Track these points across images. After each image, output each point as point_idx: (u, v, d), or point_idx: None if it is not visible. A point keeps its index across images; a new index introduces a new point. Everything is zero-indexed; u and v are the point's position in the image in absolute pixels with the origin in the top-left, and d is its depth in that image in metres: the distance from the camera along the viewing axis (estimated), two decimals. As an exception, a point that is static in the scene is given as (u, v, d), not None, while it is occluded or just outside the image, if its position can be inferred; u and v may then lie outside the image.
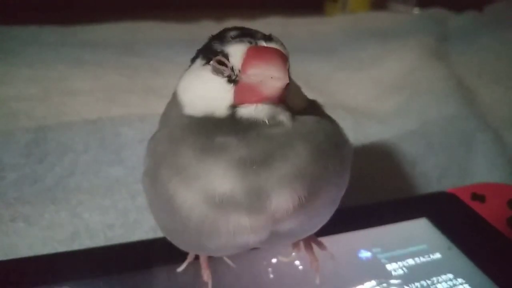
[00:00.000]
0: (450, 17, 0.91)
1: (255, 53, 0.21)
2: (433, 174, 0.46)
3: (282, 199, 0.21)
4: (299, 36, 0.79)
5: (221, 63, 0.23)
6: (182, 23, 0.81)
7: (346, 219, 0.33)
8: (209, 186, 0.21)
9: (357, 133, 0.49)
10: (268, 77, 0.21)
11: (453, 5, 0.95)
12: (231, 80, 0.23)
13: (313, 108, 0.27)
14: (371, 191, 0.43)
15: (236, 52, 0.22)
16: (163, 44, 0.73)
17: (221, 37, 0.23)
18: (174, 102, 0.26)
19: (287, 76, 0.20)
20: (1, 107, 0.49)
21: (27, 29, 0.72)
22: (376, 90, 0.62)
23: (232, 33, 0.23)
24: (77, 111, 0.50)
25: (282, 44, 0.23)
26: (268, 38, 0.23)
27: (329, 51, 0.75)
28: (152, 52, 0.70)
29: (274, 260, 0.31)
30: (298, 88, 0.27)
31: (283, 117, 0.22)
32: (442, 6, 0.95)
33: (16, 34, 0.70)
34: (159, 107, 0.29)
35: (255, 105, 0.22)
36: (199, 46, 0.26)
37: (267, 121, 0.22)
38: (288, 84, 0.23)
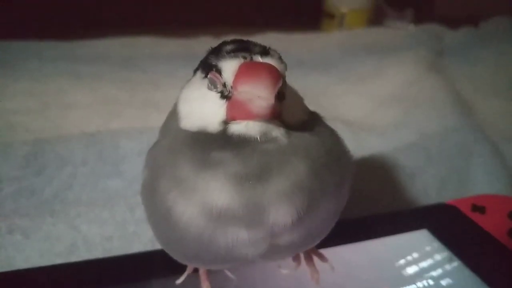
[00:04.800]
0: (447, 33, 0.92)
1: (245, 70, 0.21)
2: (432, 186, 0.46)
3: (280, 213, 0.21)
4: (297, 51, 0.80)
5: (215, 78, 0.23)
6: (181, 39, 0.82)
7: (347, 231, 0.33)
8: (207, 200, 0.21)
9: (356, 145, 0.49)
10: (256, 96, 0.20)
11: (450, 22, 0.96)
12: (224, 96, 0.23)
13: (313, 120, 0.27)
14: (370, 203, 0.43)
15: (228, 67, 0.22)
16: (162, 59, 0.73)
17: (217, 51, 0.24)
18: (174, 113, 0.26)
19: (273, 96, 0.20)
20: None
21: (27, 44, 0.72)
22: (374, 103, 0.62)
23: (228, 47, 0.23)
24: (75, 124, 0.50)
25: (279, 58, 0.23)
26: (265, 52, 0.23)
27: (326, 66, 0.76)
28: (151, 66, 0.70)
29: (274, 272, 0.31)
30: (299, 101, 0.27)
31: (277, 133, 0.22)
32: (438, 23, 0.96)
33: (16, 48, 0.70)
34: (159, 120, 0.29)
35: (246, 121, 0.22)
36: (198, 61, 0.26)
37: (258, 138, 0.22)
38: (282, 99, 0.23)
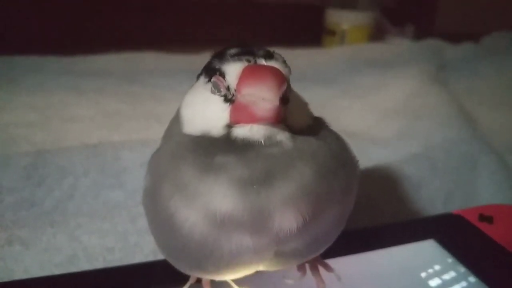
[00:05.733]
0: (448, 48, 0.93)
1: (249, 73, 0.21)
2: (438, 197, 0.46)
3: (285, 219, 0.21)
4: (299, 66, 0.80)
5: (218, 81, 0.23)
6: (184, 54, 0.83)
7: (353, 240, 0.32)
8: (210, 205, 0.21)
9: (360, 156, 0.49)
10: (260, 98, 0.20)
11: (449, 39, 0.96)
12: (227, 99, 0.22)
13: (319, 125, 0.27)
14: (375, 215, 0.42)
15: (232, 70, 0.22)
16: (164, 74, 0.73)
17: (220, 55, 0.23)
18: (177, 118, 0.26)
19: (278, 98, 0.20)
20: (1, 133, 0.49)
21: (29, 59, 0.73)
22: (378, 116, 0.62)
23: (232, 51, 0.23)
24: (77, 136, 0.50)
25: (283, 62, 0.23)
26: (269, 55, 0.23)
27: (329, 80, 0.76)
28: (154, 81, 0.70)
29: (279, 282, 0.30)
30: (303, 105, 0.27)
31: (282, 137, 0.22)
32: (439, 39, 0.97)
33: (18, 63, 0.70)
34: (160, 132, 0.29)
35: (250, 125, 0.22)
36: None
37: (263, 142, 0.21)
38: (287, 103, 0.22)
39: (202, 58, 0.26)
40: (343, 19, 1.06)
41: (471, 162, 0.49)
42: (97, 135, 0.50)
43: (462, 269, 0.32)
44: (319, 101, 0.65)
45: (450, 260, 0.33)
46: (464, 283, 0.31)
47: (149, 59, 0.80)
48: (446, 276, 0.32)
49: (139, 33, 1.05)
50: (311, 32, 1.14)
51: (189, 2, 1.09)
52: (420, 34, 1.07)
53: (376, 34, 1.10)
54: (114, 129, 0.52)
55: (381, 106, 0.64)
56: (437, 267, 0.32)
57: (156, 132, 0.29)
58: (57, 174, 0.42)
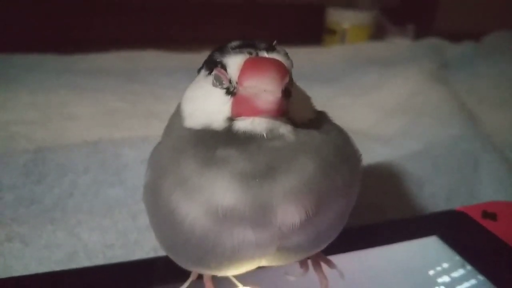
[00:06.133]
0: (448, 47, 0.92)
1: (251, 65, 0.21)
2: (441, 195, 0.45)
3: (288, 213, 0.20)
4: (300, 65, 0.79)
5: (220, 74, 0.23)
6: (184, 53, 0.82)
7: (355, 237, 0.32)
8: (212, 199, 0.20)
9: (363, 155, 0.49)
10: (262, 90, 0.20)
11: (450, 38, 0.96)
12: (229, 92, 0.22)
13: (321, 119, 0.26)
14: (377, 212, 0.42)
15: (233, 63, 0.22)
16: (164, 72, 0.73)
17: (222, 48, 0.23)
18: (178, 113, 0.26)
19: (280, 90, 0.19)
20: (0, 131, 0.48)
21: (29, 57, 0.72)
22: (379, 114, 0.62)
23: (233, 44, 0.23)
24: (77, 134, 0.49)
25: (285, 55, 0.23)
26: (271, 48, 0.22)
27: (330, 79, 0.76)
28: (154, 79, 0.70)
29: (281, 279, 0.30)
30: (306, 99, 0.27)
31: (284, 130, 0.22)
32: (440, 38, 0.97)
33: (18, 61, 0.70)
34: (161, 129, 0.28)
35: (252, 118, 0.21)
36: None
37: (265, 135, 0.21)
38: (289, 96, 0.22)
39: (202, 57, 0.26)
40: (343, 19, 1.06)
41: (473, 159, 0.49)
42: (97, 132, 0.50)
43: (466, 265, 0.32)
44: (320, 100, 0.64)
45: (454, 257, 0.33)
46: (467, 280, 0.31)
47: (149, 58, 0.80)
48: (450, 273, 0.31)
49: (139, 33, 1.04)
50: (311, 31, 1.14)
51: (189, 2, 1.09)
52: (421, 33, 1.07)
53: (377, 34, 1.10)
54: (114, 126, 0.52)
55: (383, 105, 0.64)
56: (440, 264, 0.32)
57: (156, 130, 0.29)
58: (57, 172, 0.42)
